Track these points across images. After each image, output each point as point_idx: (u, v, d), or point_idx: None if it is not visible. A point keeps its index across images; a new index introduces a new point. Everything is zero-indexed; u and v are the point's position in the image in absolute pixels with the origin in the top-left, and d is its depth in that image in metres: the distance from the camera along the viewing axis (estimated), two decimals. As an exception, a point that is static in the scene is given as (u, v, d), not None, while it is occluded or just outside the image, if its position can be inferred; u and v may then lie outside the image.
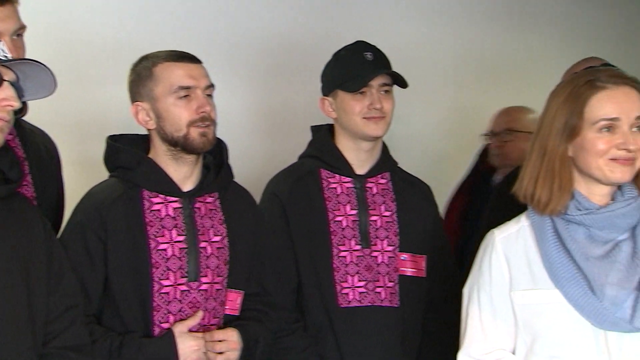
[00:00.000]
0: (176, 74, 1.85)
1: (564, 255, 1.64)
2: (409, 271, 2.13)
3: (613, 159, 1.62)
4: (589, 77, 1.69)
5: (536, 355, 1.68)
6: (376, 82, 2.11)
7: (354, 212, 2.12)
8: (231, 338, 1.84)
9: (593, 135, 1.63)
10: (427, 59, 3.53)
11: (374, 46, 2.16)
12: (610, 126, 1.63)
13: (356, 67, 2.12)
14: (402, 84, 2.15)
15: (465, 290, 1.79)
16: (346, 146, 2.16)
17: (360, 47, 2.16)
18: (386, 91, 2.13)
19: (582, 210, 1.65)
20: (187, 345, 1.80)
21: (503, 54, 4.05)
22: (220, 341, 1.83)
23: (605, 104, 1.64)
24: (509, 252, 1.71)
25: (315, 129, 2.26)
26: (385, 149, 2.22)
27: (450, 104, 3.73)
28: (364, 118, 2.10)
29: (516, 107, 3.22)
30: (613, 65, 2.31)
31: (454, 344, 2.18)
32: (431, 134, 3.78)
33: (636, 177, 1.66)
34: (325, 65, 2.21)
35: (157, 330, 1.83)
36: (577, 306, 1.63)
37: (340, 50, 2.19)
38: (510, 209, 2.26)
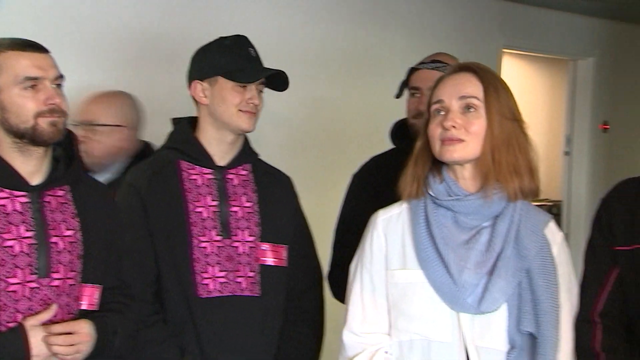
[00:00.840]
0: (22, 64, 1.69)
1: (428, 238, 1.68)
2: (269, 261, 2.09)
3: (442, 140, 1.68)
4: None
5: (399, 331, 1.71)
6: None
7: (214, 203, 2.06)
8: (82, 330, 1.71)
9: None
10: (284, 52, 3.51)
11: (253, 45, 2.12)
12: (440, 109, 1.70)
13: (243, 60, 2.06)
14: (277, 87, 2.12)
15: (352, 268, 1.80)
16: (209, 136, 2.09)
17: (244, 42, 2.10)
18: (261, 91, 2.09)
19: (453, 196, 1.69)
20: (40, 338, 1.65)
21: (358, 48, 4.10)
22: (68, 333, 1.69)
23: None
24: (389, 233, 1.75)
25: (175, 121, 2.18)
26: (246, 140, 2.17)
27: (306, 96, 3.74)
28: (240, 111, 2.04)
29: (104, 94, 2.68)
30: (444, 62, 2.35)
31: (314, 333, 2.18)
32: (288, 125, 3.78)
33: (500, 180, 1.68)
34: (202, 49, 2.11)
35: (3, 330, 1.68)
36: (435, 287, 1.67)
37: (223, 39, 2.10)
38: (364, 197, 2.30)
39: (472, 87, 1.69)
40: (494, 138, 1.67)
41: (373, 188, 2.27)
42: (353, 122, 4.00)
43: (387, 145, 2.48)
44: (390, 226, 1.76)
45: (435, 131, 1.69)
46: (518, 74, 6.49)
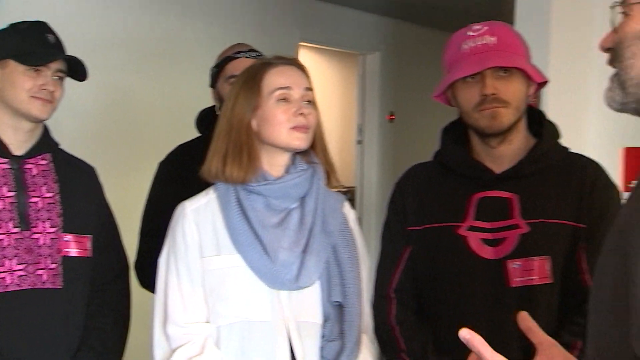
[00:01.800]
0: None
1: (244, 222, 1.67)
2: (73, 252, 1.96)
3: (293, 127, 1.68)
4: (262, 61, 1.80)
5: (221, 316, 1.68)
6: (55, 65, 1.92)
7: (11, 194, 1.89)
8: None
9: (272, 106, 1.69)
10: (85, 40, 3.33)
11: (55, 32, 1.97)
12: (285, 97, 1.69)
13: (38, 44, 1.91)
14: (78, 75, 1.99)
15: (162, 261, 1.73)
16: (4, 124, 1.91)
17: (43, 27, 1.95)
18: (60, 77, 1.95)
19: (262, 182, 1.69)
20: None
21: (162, 37, 3.99)
22: None
23: (278, 77, 1.71)
24: (199, 222, 1.71)
25: None
26: (46, 129, 2.02)
27: (109, 84, 3.58)
28: (32, 97, 1.88)
29: None
30: (258, 51, 2.36)
31: (118, 323, 2.07)
32: (92, 114, 3.60)
33: (312, 148, 1.75)
34: None
35: None
36: (254, 269, 1.66)
37: (20, 23, 1.94)
38: (170, 185, 2.23)
39: (307, 80, 1.75)
40: (319, 127, 1.76)
41: (179, 176, 2.20)
42: (158, 110, 3.88)
43: (194, 133, 2.42)
44: (200, 215, 1.72)
45: (284, 117, 1.69)
46: (314, 66, 6.63)
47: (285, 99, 1.69)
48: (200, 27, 4.10)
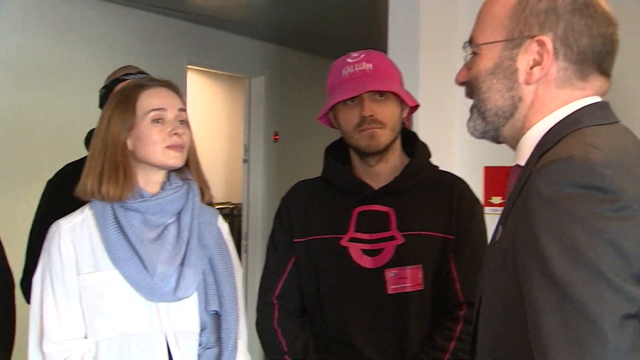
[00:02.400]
0: None
1: (122, 239, 1.64)
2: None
3: (168, 147, 1.66)
4: (135, 82, 1.76)
5: (99, 331, 1.63)
6: None
7: None
8: None
9: (147, 126, 1.66)
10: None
11: None
12: (160, 117, 1.67)
13: None
14: None
15: (37, 279, 1.67)
16: None
17: None
18: None
19: (138, 199, 1.66)
20: None
21: (48, 57, 3.85)
22: None
23: (152, 98, 1.68)
24: (75, 240, 1.66)
25: None
26: None
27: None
28: None
29: None
30: (147, 73, 2.32)
31: (2, 340, 1.95)
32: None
33: (186, 166, 1.74)
34: None
35: None
36: (133, 283, 1.63)
37: None
38: (58, 204, 2.14)
39: (181, 101, 1.73)
40: (192, 146, 1.75)
41: (67, 194, 2.11)
42: (44, 128, 3.74)
43: (82, 152, 2.33)
44: (76, 233, 1.68)
45: (159, 137, 1.66)
46: (202, 88, 6.56)
47: (159, 120, 1.67)
48: (87, 49, 3.99)
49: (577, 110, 1.06)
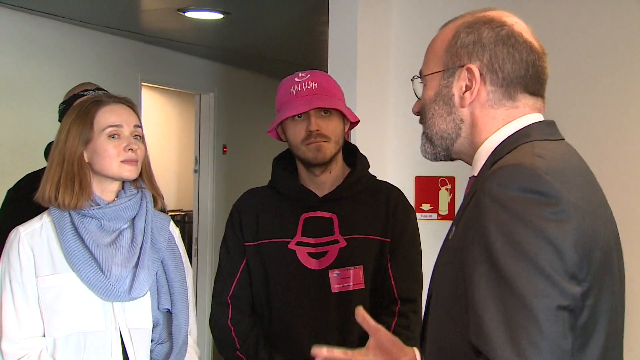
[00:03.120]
0: None
1: (79, 243, 1.63)
2: None
3: (123, 161, 1.66)
4: (94, 98, 1.74)
5: (57, 329, 1.62)
6: None
7: None
8: None
9: (103, 141, 1.66)
10: None
11: None
12: (116, 133, 1.67)
13: None
14: None
15: None
16: None
17: None
18: None
19: (94, 206, 1.66)
20: None
21: (7, 74, 3.75)
22: None
23: (109, 115, 1.68)
24: (34, 245, 1.65)
25: None
26: None
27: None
28: None
29: None
30: (105, 90, 2.29)
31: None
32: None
33: (139, 176, 1.74)
34: None
35: None
36: (89, 285, 1.63)
37: None
38: (19, 212, 2.09)
39: (136, 117, 1.73)
40: (146, 158, 1.76)
41: (27, 202, 2.06)
42: (5, 140, 3.63)
43: (42, 163, 2.28)
44: (34, 238, 1.66)
45: (115, 152, 1.66)
46: (155, 104, 6.49)
47: (115, 135, 1.67)
48: (47, 67, 3.91)
49: (526, 125, 1.12)
